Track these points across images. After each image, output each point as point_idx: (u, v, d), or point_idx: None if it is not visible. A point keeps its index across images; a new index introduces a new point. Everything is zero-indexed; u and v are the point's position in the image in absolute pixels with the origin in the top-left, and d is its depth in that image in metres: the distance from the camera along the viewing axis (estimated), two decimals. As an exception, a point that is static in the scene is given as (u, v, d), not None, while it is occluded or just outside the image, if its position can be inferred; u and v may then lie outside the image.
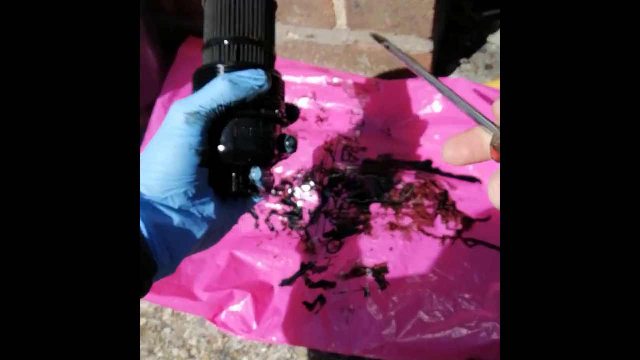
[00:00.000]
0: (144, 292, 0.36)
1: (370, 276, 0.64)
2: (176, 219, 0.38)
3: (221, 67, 0.40)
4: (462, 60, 0.83)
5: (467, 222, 0.66)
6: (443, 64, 0.82)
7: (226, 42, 0.41)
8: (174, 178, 0.37)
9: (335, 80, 0.78)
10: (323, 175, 0.72)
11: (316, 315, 0.62)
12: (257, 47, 0.41)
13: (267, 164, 0.42)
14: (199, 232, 0.39)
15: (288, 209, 0.70)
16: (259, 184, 0.41)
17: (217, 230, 0.41)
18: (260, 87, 0.39)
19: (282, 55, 0.84)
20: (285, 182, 0.72)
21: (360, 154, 0.73)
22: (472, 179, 0.70)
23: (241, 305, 0.63)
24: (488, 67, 0.82)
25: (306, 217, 0.69)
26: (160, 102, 0.77)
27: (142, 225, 0.36)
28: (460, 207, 0.68)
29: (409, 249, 0.65)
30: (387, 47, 0.56)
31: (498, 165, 0.32)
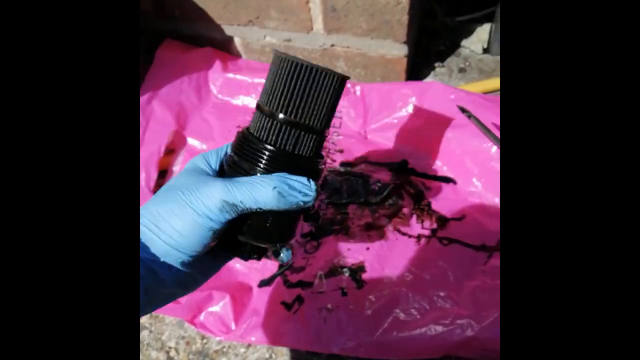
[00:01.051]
0: None
1: (347, 275, 0.65)
2: (167, 278, 0.38)
3: (274, 158, 0.38)
4: (436, 64, 0.85)
5: (442, 221, 0.68)
6: (417, 68, 0.84)
7: (285, 121, 0.37)
8: (181, 249, 0.37)
9: None
10: None
11: (294, 315, 0.62)
12: (315, 138, 0.38)
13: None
14: (180, 290, 0.40)
15: None
16: (284, 260, 0.42)
17: (199, 282, 0.42)
18: (306, 203, 0.38)
19: (260, 59, 0.85)
20: None
21: (338, 156, 0.74)
22: (446, 179, 0.71)
23: (220, 306, 0.63)
24: (461, 70, 0.84)
25: None
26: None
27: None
28: (435, 206, 0.69)
29: (385, 248, 0.66)
30: (469, 117, 0.65)
31: None
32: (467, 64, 0.85)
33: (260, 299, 0.64)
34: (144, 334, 0.66)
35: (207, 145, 0.77)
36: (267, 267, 0.66)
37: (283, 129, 0.38)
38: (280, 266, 0.62)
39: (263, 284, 0.65)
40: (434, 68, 0.85)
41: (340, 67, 0.81)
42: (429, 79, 0.83)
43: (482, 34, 0.85)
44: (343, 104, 0.78)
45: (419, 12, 0.80)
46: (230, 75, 0.82)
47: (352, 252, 0.66)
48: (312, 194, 0.38)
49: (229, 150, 0.42)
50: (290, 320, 0.62)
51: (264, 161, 0.38)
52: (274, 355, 0.64)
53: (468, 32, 0.86)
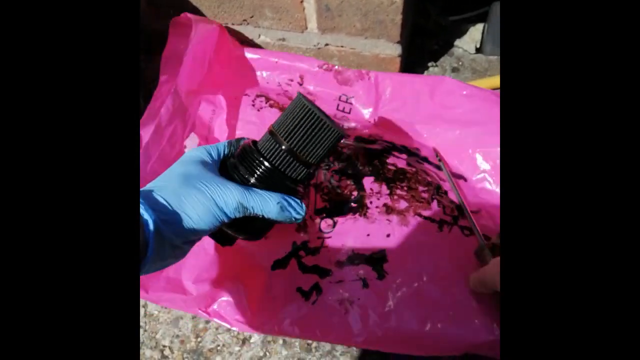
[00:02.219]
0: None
1: (367, 265, 0.62)
2: (167, 253, 0.43)
3: (269, 174, 0.48)
4: (429, 64, 0.85)
5: (460, 211, 0.66)
6: (411, 67, 0.85)
7: (288, 150, 0.48)
8: (194, 230, 0.43)
9: (326, 65, 0.77)
10: None
11: (313, 306, 0.61)
12: (306, 170, 0.50)
13: None
14: (171, 261, 0.45)
15: None
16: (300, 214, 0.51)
17: (180, 259, 0.47)
18: (297, 220, 0.49)
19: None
20: None
21: (351, 131, 0.73)
22: (457, 176, 0.70)
23: (234, 295, 0.61)
24: (455, 69, 0.84)
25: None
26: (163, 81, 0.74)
27: (153, 234, 0.40)
28: (451, 197, 0.68)
29: (407, 235, 0.64)
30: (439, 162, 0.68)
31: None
32: (460, 63, 0.85)
33: (275, 285, 0.62)
34: (138, 333, 0.66)
35: (219, 112, 0.75)
36: (280, 247, 0.65)
37: (284, 155, 0.48)
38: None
39: (276, 265, 0.63)
40: (427, 67, 0.85)
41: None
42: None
43: (475, 33, 0.85)
44: (356, 89, 0.76)
45: (412, 11, 0.81)
46: (238, 50, 0.80)
47: (372, 238, 0.64)
48: (303, 214, 0.49)
49: (226, 149, 0.51)
50: (309, 310, 0.60)
51: (259, 173, 0.47)
52: (268, 354, 0.64)
53: (461, 32, 0.87)
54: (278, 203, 0.47)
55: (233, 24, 0.80)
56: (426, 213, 0.66)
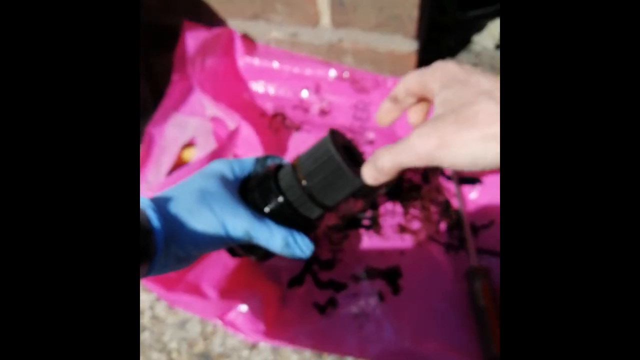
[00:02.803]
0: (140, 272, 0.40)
1: (382, 279, 0.63)
2: (171, 262, 0.43)
3: (281, 208, 0.45)
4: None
5: (472, 230, 0.66)
6: (427, 64, 0.82)
7: (306, 189, 0.44)
8: (199, 247, 0.43)
9: (341, 74, 0.77)
10: None
11: (328, 319, 0.61)
12: (322, 212, 0.46)
13: None
14: (175, 268, 0.45)
15: None
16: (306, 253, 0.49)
17: (183, 267, 0.47)
18: (302, 258, 0.47)
19: (266, 53, 0.83)
20: None
21: (367, 147, 0.73)
22: (473, 180, 0.69)
23: (251, 306, 0.61)
24: (473, 66, 0.82)
25: None
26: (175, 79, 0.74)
27: (160, 243, 0.41)
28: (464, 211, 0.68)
29: (419, 254, 0.64)
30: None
31: None
32: (479, 60, 0.82)
33: (291, 299, 0.62)
34: (145, 335, 0.65)
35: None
36: (295, 262, 0.65)
37: (300, 193, 0.45)
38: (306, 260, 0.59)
39: (293, 282, 0.64)
40: (444, 64, 0.83)
41: (347, 63, 0.79)
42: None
43: (494, 29, 0.83)
44: (372, 96, 0.76)
45: (429, 6, 0.78)
46: (251, 59, 0.80)
47: (386, 255, 0.64)
48: (308, 253, 0.47)
49: (251, 166, 0.49)
50: (324, 323, 0.61)
51: (272, 206, 0.45)
52: (278, 358, 0.62)
53: (480, 28, 0.84)
54: (283, 239, 0.45)
55: (243, 19, 0.78)
56: (435, 236, 0.66)
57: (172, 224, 0.42)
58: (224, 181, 0.46)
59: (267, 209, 0.46)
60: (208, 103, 0.73)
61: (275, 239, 0.45)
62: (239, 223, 0.44)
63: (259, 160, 0.50)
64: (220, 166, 0.48)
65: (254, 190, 0.47)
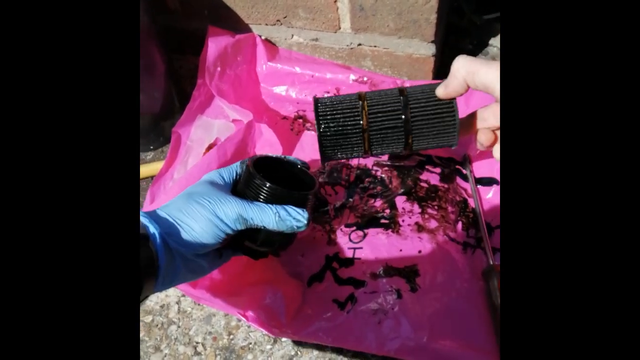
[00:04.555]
0: (141, 304, 0.44)
1: (401, 277, 0.64)
2: (181, 265, 0.47)
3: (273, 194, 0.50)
4: (500, 60, 0.84)
5: (488, 229, 0.67)
6: (444, 67, 0.84)
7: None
8: (199, 242, 0.46)
9: (361, 77, 0.79)
10: (349, 171, 0.73)
11: (347, 315, 0.62)
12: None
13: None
14: (190, 275, 0.49)
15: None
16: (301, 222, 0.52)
17: (201, 274, 0.52)
18: (299, 227, 0.50)
19: (287, 57, 0.85)
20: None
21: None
22: (489, 181, 0.71)
23: (272, 302, 0.63)
24: (489, 70, 0.83)
25: (331, 213, 0.70)
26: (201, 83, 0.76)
27: (160, 245, 0.44)
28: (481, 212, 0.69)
29: (436, 253, 0.66)
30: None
31: None
32: (495, 63, 0.84)
33: (312, 295, 0.64)
34: (172, 329, 0.67)
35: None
36: (316, 261, 0.66)
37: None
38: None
39: (313, 279, 0.65)
40: (461, 67, 0.84)
41: (367, 67, 0.81)
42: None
43: (511, 32, 0.84)
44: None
45: (446, 10, 0.80)
46: (274, 64, 0.82)
47: (404, 254, 0.66)
48: (304, 220, 0.50)
49: (238, 169, 0.54)
50: (343, 319, 0.62)
51: (264, 194, 0.50)
52: (299, 353, 0.64)
53: (496, 31, 0.86)
54: (276, 213, 0.49)
55: (267, 24, 0.80)
56: (452, 235, 0.67)
57: (166, 224, 0.46)
58: (213, 184, 0.51)
59: (261, 198, 0.50)
60: (226, 106, 0.75)
61: (268, 214, 0.48)
62: (230, 209, 0.47)
63: (242, 162, 0.54)
64: (208, 175, 0.53)
65: (243, 190, 0.51)
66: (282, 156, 0.59)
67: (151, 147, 0.83)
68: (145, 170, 0.81)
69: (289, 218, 0.49)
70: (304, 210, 0.50)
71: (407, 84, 0.77)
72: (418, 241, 0.67)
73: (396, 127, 0.49)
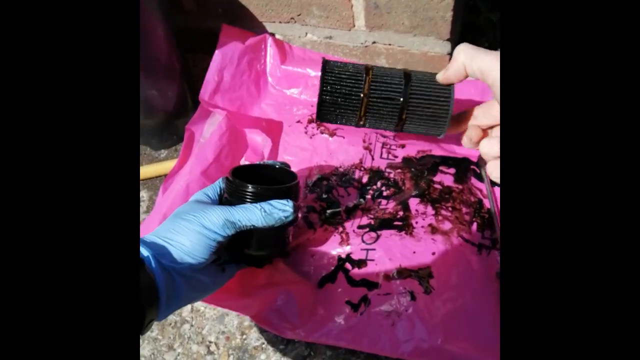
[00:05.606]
0: (147, 328, 0.45)
1: (414, 279, 0.63)
2: (181, 283, 0.48)
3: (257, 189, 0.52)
4: (500, 59, 0.83)
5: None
6: (460, 65, 0.83)
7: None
8: (191, 255, 0.47)
9: None
10: (362, 173, 0.72)
11: (361, 317, 0.62)
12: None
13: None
14: (194, 294, 0.50)
15: (325, 205, 0.70)
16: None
17: (206, 292, 0.52)
18: (287, 217, 0.51)
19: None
20: (323, 179, 0.72)
21: (399, 151, 0.73)
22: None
23: (284, 303, 0.63)
24: (505, 68, 0.82)
25: (343, 214, 0.70)
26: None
27: (155, 266, 0.45)
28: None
29: (450, 255, 0.65)
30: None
31: None
32: (512, 61, 0.83)
33: (324, 296, 0.64)
34: (185, 328, 0.67)
35: (268, 140, 0.76)
36: (327, 261, 0.66)
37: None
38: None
39: (325, 280, 0.65)
40: (477, 65, 0.83)
41: (381, 64, 0.80)
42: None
43: (528, 30, 0.83)
44: None
45: (462, 8, 0.79)
46: (287, 67, 0.82)
47: (418, 256, 0.65)
48: (290, 209, 0.51)
49: (222, 184, 0.56)
50: (357, 321, 0.62)
51: (249, 196, 0.52)
52: (312, 353, 0.64)
53: (513, 29, 0.84)
54: (260, 209, 0.50)
55: (280, 22, 0.80)
56: (467, 236, 0.66)
57: (156, 246, 0.47)
58: (200, 202, 0.52)
59: (247, 201, 0.52)
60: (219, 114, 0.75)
61: (254, 212, 0.49)
62: (215, 216, 0.48)
63: (224, 178, 0.56)
64: (194, 196, 0.54)
65: (229, 201, 0.53)
66: (260, 162, 0.62)
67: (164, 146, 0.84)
68: (158, 168, 0.81)
69: (275, 210, 0.50)
70: (288, 200, 0.52)
71: None
72: (432, 243, 0.66)
73: (393, 99, 0.52)
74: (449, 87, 0.52)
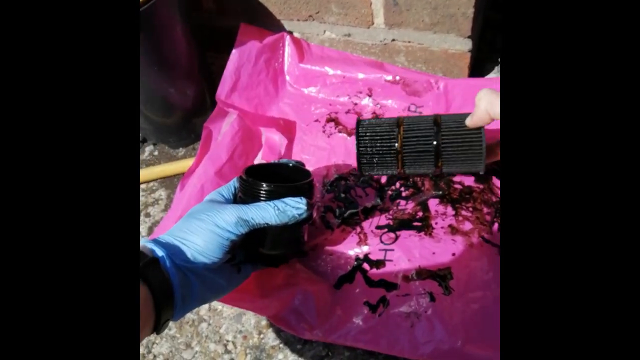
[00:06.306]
0: (163, 327, 0.46)
1: (434, 280, 0.63)
2: (196, 282, 0.48)
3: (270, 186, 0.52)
4: (500, 59, 0.82)
5: None
6: (481, 63, 0.81)
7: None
8: (205, 254, 0.47)
9: (394, 77, 0.78)
10: None
11: (380, 318, 0.61)
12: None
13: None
14: (209, 294, 0.50)
15: (343, 205, 0.70)
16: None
17: (221, 292, 0.52)
18: (300, 215, 0.50)
19: (319, 53, 0.84)
20: (341, 178, 0.72)
21: None
22: None
23: (302, 304, 0.62)
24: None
25: (361, 215, 0.69)
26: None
27: (170, 266, 0.45)
28: None
29: (471, 256, 0.64)
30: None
31: None
32: (534, 58, 0.81)
33: (342, 297, 0.63)
34: (202, 326, 0.67)
35: (285, 140, 0.76)
36: (345, 261, 0.66)
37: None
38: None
39: (342, 280, 0.64)
40: (498, 63, 0.82)
41: (400, 62, 0.80)
42: (492, 75, 0.80)
43: (551, 27, 0.81)
44: (425, 99, 0.76)
45: (483, 4, 0.78)
46: (305, 65, 0.82)
47: (437, 257, 0.64)
48: (303, 207, 0.50)
49: (236, 184, 0.55)
50: (376, 322, 0.61)
51: (263, 194, 0.52)
52: (330, 354, 0.63)
53: (535, 25, 0.83)
54: (274, 207, 0.49)
55: (299, 20, 0.80)
56: (488, 236, 0.65)
57: (171, 245, 0.47)
58: (214, 202, 0.52)
59: (261, 200, 0.51)
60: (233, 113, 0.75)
61: (267, 210, 0.49)
62: (229, 215, 0.48)
63: (238, 178, 0.55)
64: (209, 196, 0.54)
65: (243, 199, 0.53)
66: (274, 161, 0.62)
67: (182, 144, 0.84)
68: (176, 167, 0.81)
69: (288, 208, 0.50)
70: (301, 198, 0.51)
71: (441, 82, 0.75)
72: (452, 244, 0.65)
73: (427, 151, 0.56)
74: (479, 129, 0.55)
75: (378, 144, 0.57)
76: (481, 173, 0.58)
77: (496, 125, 0.72)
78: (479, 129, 0.55)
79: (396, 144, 0.57)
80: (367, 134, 0.57)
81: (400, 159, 0.57)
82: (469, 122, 0.53)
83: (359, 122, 0.58)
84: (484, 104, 0.49)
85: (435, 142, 0.56)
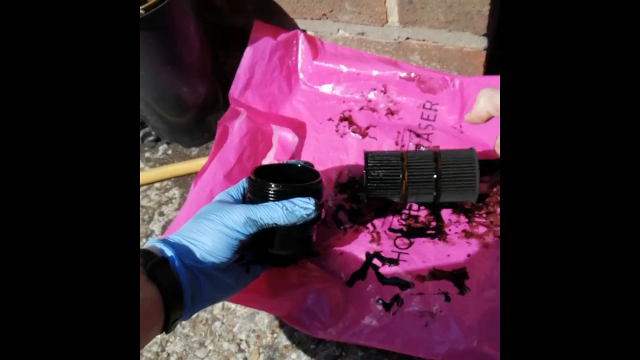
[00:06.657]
0: (172, 327, 0.46)
1: (449, 280, 0.62)
2: (205, 283, 0.48)
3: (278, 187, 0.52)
4: (500, 57, 0.81)
5: None
6: (496, 61, 0.80)
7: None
8: (214, 254, 0.47)
9: (408, 74, 0.77)
10: None
11: (394, 316, 0.61)
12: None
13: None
14: (218, 294, 0.50)
15: (355, 205, 0.70)
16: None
17: (230, 292, 0.52)
18: (309, 215, 0.50)
19: (332, 52, 0.84)
20: (354, 180, 0.71)
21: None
22: None
23: (314, 303, 0.62)
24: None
25: (373, 214, 0.69)
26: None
27: (179, 266, 0.46)
28: None
29: (486, 256, 0.63)
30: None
31: None
32: (550, 56, 0.80)
33: (355, 295, 0.63)
34: (216, 325, 0.67)
35: (297, 137, 0.75)
36: (356, 259, 0.65)
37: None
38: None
39: (355, 277, 0.64)
40: (513, 61, 0.81)
41: (414, 61, 0.79)
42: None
43: (567, 24, 0.80)
44: (440, 96, 0.76)
45: (499, 1, 0.77)
46: (319, 63, 0.81)
47: (452, 258, 0.64)
48: (312, 207, 0.50)
49: (245, 184, 0.56)
50: (389, 320, 0.61)
51: (272, 194, 0.52)
52: (343, 353, 0.63)
53: (551, 23, 0.82)
54: (282, 207, 0.49)
55: (312, 19, 0.79)
56: None
57: (180, 245, 0.47)
58: (223, 202, 0.52)
59: (269, 200, 0.52)
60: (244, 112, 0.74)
61: (275, 210, 0.49)
62: (237, 215, 0.48)
63: (247, 178, 0.55)
64: (218, 196, 0.54)
65: (251, 200, 0.53)
66: (283, 162, 0.62)
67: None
68: (189, 166, 0.81)
69: (296, 208, 0.50)
70: (310, 198, 0.51)
71: (456, 80, 0.74)
72: (467, 246, 0.64)
73: (428, 182, 0.62)
74: (473, 168, 0.61)
75: (383, 175, 0.63)
76: (473, 202, 0.65)
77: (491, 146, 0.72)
78: (473, 165, 0.61)
79: (401, 176, 0.63)
80: (376, 164, 0.63)
81: (404, 189, 0.63)
82: (467, 117, 0.54)
83: (367, 155, 0.64)
84: (483, 101, 0.50)
85: (435, 176, 0.62)
